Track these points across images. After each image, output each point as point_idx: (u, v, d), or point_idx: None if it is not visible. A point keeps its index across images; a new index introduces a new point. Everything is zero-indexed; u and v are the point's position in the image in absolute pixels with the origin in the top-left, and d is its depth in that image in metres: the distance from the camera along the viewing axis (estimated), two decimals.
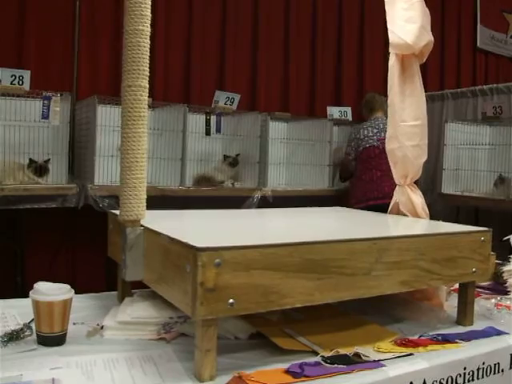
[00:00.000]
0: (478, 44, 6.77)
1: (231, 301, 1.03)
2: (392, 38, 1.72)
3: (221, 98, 4.00)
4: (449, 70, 6.24)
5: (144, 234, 1.27)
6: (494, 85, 4.57)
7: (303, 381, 1.09)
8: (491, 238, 1.45)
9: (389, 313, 1.54)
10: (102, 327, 1.36)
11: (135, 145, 1.27)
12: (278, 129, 4.24)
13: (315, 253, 1.11)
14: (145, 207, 1.29)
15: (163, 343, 1.29)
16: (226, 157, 3.96)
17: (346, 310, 1.52)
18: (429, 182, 4.64)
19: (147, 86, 1.29)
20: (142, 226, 1.28)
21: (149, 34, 1.26)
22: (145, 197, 1.29)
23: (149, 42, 1.29)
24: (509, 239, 1.71)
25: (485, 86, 4.62)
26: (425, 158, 1.72)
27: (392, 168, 1.74)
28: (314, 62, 5.07)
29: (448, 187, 4.12)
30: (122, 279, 1.44)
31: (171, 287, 1.14)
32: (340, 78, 5.17)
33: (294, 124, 4.34)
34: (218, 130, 4.08)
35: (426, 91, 4.86)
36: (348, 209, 2.05)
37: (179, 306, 1.11)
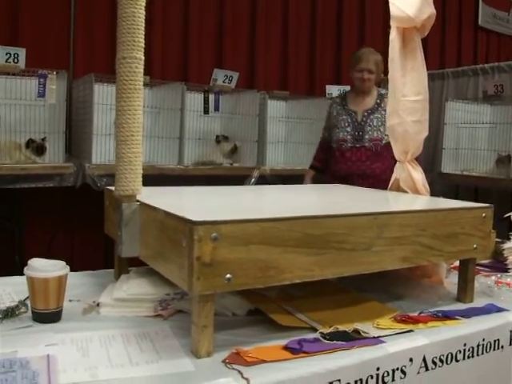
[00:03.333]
0: (480, 22, 6.70)
1: (228, 276, 1.01)
2: (393, 10, 1.68)
3: (219, 77, 3.96)
4: (450, 49, 6.18)
5: (140, 209, 1.25)
6: (496, 63, 4.51)
7: (302, 357, 1.07)
8: (492, 215, 1.42)
9: (389, 290, 1.53)
10: (98, 304, 1.34)
11: (130, 118, 1.25)
12: (276, 107, 4.22)
13: (315, 227, 1.09)
14: (141, 182, 1.26)
15: (160, 320, 1.27)
16: (218, 137, 3.94)
17: (345, 286, 1.51)
18: (429, 161, 4.61)
19: (143, 57, 1.26)
20: (138, 201, 1.26)
21: (144, 3, 1.23)
22: (141, 171, 1.27)
23: (144, 12, 1.26)
24: (509, 216, 1.68)
25: (486, 65, 4.57)
26: (426, 133, 1.69)
27: (392, 144, 1.71)
28: (313, 41, 5.01)
29: (448, 166, 4.09)
30: (119, 256, 1.42)
31: (167, 263, 1.12)
32: (339, 56, 5.12)
33: (293, 102, 4.31)
34: (217, 109, 4.04)
35: (426, 69, 4.74)
36: (349, 186, 2.03)
37: (176, 282, 1.09)
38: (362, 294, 1.45)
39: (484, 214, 1.40)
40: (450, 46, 6.19)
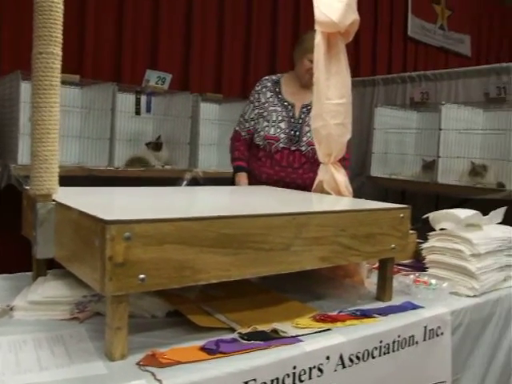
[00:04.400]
0: (409, 33, 6.94)
1: (142, 276, 0.99)
2: (317, 15, 1.70)
3: (152, 78, 3.91)
4: (381, 57, 6.36)
5: (56, 209, 1.21)
6: (422, 72, 4.68)
7: (218, 357, 1.06)
8: (410, 215, 1.47)
9: (311, 290, 1.54)
10: (11, 308, 1.28)
11: (46, 115, 1.21)
12: (209, 110, 4.20)
13: (231, 227, 1.08)
14: (57, 181, 1.22)
15: (76, 323, 1.23)
16: (147, 144, 3.89)
17: (268, 287, 1.51)
18: (360, 165, 4.73)
19: (60, 53, 1.23)
20: (54, 200, 1.22)
21: None
22: (57, 170, 1.23)
23: (62, 6, 1.22)
24: (428, 217, 1.74)
25: (413, 73, 4.73)
26: (349, 136, 1.73)
27: (316, 146, 1.73)
28: (247, 44, 5.03)
29: (377, 170, 4.20)
30: (36, 258, 1.37)
31: (82, 263, 1.08)
32: (274, 60, 5.16)
33: (226, 105, 4.31)
34: (149, 110, 3.99)
35: (358, 76, 4.88)
36: (274, 188, 2.03)
37: (89, 283, 1.06)
38: (283, 294, 1.46)
39: (402, 215, 1.44)
40: (382, 55, 6.37)
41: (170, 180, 3.66)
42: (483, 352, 1.60)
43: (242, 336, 1.15)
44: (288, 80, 2.68)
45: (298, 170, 2.50)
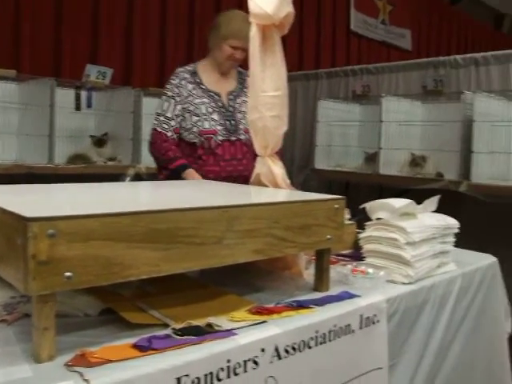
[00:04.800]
0: (352, 27, 7.05)
1: (68, 274, 0.96)
2: (252, 7, 1.70)
3: (92, 72, 3.84)
4: (324, 51, 6.44)
5: None
6: (364, 65, 4.77)
7: (150, 354, 1.05)
8: (345, 206, 1.48)
9: (249, 283, 1.54)
10: None
11: None
12: (152, 104, 4.12)
13: (160, 222, 1.07)
14: None
15: (3, 326, 1.19)
16: (91, 136, 3.81)
17: (206, 281, 1.50)
18: (305, 157, 4.78)
19: None
20: None
21: None
22: None
23: None
24: (365, 207, 1.77)
25: (355, 66, 4.81)
26: (285, 128, 1.73)
27: (253, 139, 1.73)
28: (191, 37, 4.99)
29: (321, 163, 4.25)
30: None
31: (5, 263, 1.04)
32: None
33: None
34: (90, 106, 3.92)
35: (301, 70, 4.92)
36: (214, 182, 2.02)
37: (13, 283, 1.02)
38: (221, 288, 1.45)
39: (337, 206, 1.45)
40: (325, 49, 6.45)
41: (112, 176, 3.61)
42: (419, 337, 1.64)
43: (176, 331, 1.14)
44: (205, 68, 2.52)
45: (242, 161, 2.40)
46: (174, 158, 2.36)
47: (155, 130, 2.43)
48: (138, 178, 3.72)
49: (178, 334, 1.13)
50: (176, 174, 2.31)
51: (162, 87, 4.37)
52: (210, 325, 1.19)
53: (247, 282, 1.55)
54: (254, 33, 1.74)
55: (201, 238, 1.14)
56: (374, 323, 1.44)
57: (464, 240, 2.07)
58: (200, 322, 1.19)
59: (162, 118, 2.42)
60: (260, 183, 1.73)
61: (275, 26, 1.74)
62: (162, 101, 2.47)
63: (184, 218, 1.10)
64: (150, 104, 4.09)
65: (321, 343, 1.29)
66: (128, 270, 1.04)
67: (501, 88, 3.78)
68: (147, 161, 3.92)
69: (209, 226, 1.15)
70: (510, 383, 2.10)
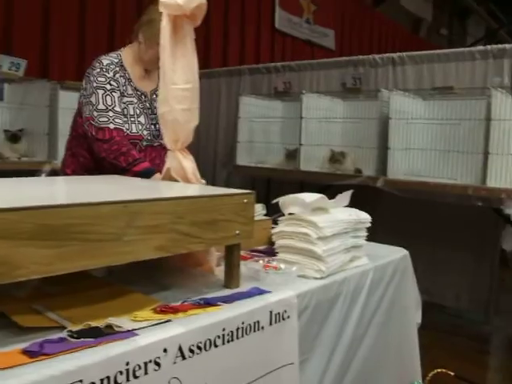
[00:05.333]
0: (277, 25, 7.10)
1: None
2: None
3: (4, 63, 3.66)
4: (249, 49, 6.45)
5: None
6: (286, 62, 4.80)
7: (41, 360, 0.98)
8: (254, 200, 1.46)
9: (157, 281, 1.49)
10: None
11: None
12: (70, 98, 3.97)
13: (51, 218, 1.00)
14: None
15: None
16: (5, 131, 3.63)
17: (113, 280, 1.44)
18: (228, 154, 4.75)
19: None
20: None
21: None
22: None
23: None
24: (278, 202, 1.75)
25: (278, 63, 4.83)
26: (196, 122, 1.69)
27: (163, 132, 1.68)
28: (113, 28, 4.84)
29: (243, 159, 4.24)
30: None
31: None
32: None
33: None
34: (1, 98, 3.74)
35: (225, 66, 4.88)
36: (126, 177, 1.93)
37: None
38: (127, 286, 1.39)
39: (245, 200, 1.42)
40: (249, 46, 6.46)
41: (27, 173, 3.44)
42: (330, 331, 1.65)
43: (72, 334, 1.07)
44: (130, 62, 2.26)
45: (159, 166, 2.08)
46: (139, 160, 2.08)
47: (106, 127, 2.09)
48: (54, 174, 3.57)
49: (74, 337, 1.06)
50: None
51: (81, 80, 4.26)
52: (110, 326, 1.13)
53: (155, 279, 1.50)
54: (165, 23, 1.69)
55: (98, 234, 1.08)
56: (284, 319, 1.42)
57: (382, 233, 2.12)
58: (99, 323, 1.13)
59: (111, 114, 2.11)
60: (171, 178, 1.68)
61: (187, 16, 1.70)
62: (102, 96, 2.13)
63: (79, 213, 1.04)
64: (67, 98, 3.93)
65: (228, 341, 1.26)
66: (17, 270, 0.96)
67: (416, 87, 3.91)
68: None
69: (107, 222, 1.09)
70: (419, 373, 2.16)
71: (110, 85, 2.16)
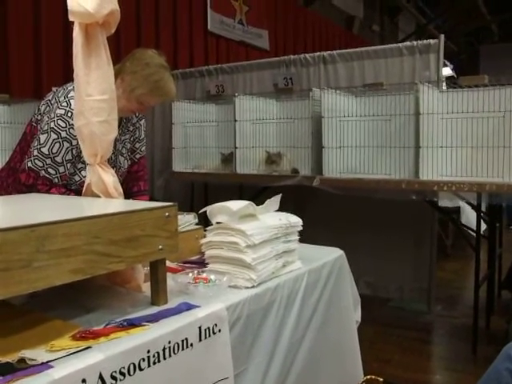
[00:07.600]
0: (209, 28, 7.03)
1: None
2: (71, 4, 1.56)
3: None
4: (182, 52, 6.35)
5: None
6: (219, 65, 4.76)
7: None
8: (177, 214, 1.41)
9: (82, 303, 1.42)
10: None
11: None
12: None
13: None
14: None
15: None
16: None
17: (33, 305, 1.36)
18: (165, 160, 4.67)
19: None
20: None
21: None
22: None
23: None
24: (206, 211, 1.71)
25: (210, 66, 4.79)
26: (114, 134, 1.63)
27: (81, 146, 1.61)
28: (39, 37, 4.66)
29: (179, 165, 4.17)
30: None
31: None
32: (69, 56, 4.86)
33: (17, 106, 3.96)
34: None
35: None
36: (43, 195, 1.83)
37: None
38: (48, 311, 1.32)
39: (167, 213, 1.38)
40: (183, 50, 6.36)
41: None
42: (266, 339, 1.62)
43: None
44: None
45: None
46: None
47: (34, 173, 1.93)
48: None
49: None
50: None
51: (7, 93, 4.08)
52: (23, 360, 1.06)
53: (80, 302, 1.43)
54: (77, 32, 1.62)
55: (4, 263, 1.01)
56: (214, 333, 1.38)
57: (322, 232, 2.11)
58: (11, 358, 1.06)
59: (48, 161, 1.94)
60: (92, 194, 1.61)
61: (99, 24, 1.63)
62: (52, 141, 1.95)
63: None
64: None
65: (154, 363, 1.21)
66: None
67: (348, 85, 3.95)
68: None
69: (13, 249, 1.02)
70: (361, 371, 2.17)
71: (66, 133, 1.95)
